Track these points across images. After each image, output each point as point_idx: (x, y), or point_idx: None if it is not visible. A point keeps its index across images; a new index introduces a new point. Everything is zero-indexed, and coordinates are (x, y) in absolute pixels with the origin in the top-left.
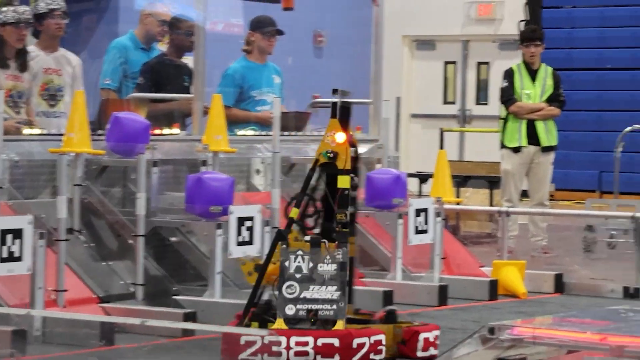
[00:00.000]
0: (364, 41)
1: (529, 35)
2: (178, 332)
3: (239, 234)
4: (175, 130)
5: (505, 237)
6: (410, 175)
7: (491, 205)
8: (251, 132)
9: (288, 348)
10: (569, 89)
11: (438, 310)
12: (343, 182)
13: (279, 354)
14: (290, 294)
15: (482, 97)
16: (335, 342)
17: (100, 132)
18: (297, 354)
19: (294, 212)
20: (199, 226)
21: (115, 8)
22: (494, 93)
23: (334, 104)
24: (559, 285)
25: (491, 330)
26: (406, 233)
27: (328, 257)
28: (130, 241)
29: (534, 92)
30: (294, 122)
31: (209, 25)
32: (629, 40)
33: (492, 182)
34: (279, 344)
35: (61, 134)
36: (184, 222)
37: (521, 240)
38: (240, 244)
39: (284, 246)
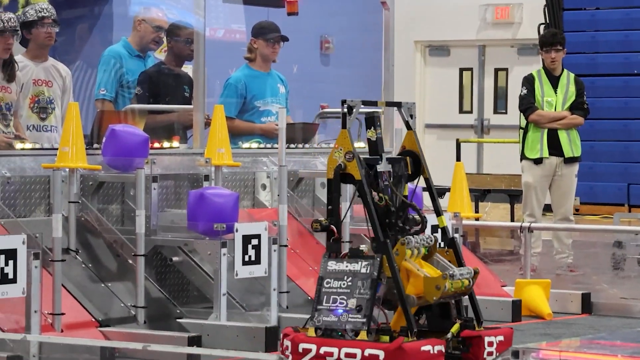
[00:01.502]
0: (374, 47)
1: (550, 40)
2: (182, 358)
3: (245, 252)
4: (176, 144)
5: (528, 255)
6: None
7: (512, 220)
8: (256, 145)
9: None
10: (593, 96)
11: None
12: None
13: None
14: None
15: (500, 105)
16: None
17: (96, 146)
18: None
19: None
20: (202, 245)
21: (109, 14)
22: (513, 101)
23: (344, 114)
24: (587, 305)
25: (515, 354)
26: None
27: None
28: (130, 261)
29: (555, 100)
30: (301, 133)
31: (209, 32)
32: None
33: (513, 196)
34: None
35: (55, 149)
36: (186, 241)
37: (545, 257)
38: (246, 263)
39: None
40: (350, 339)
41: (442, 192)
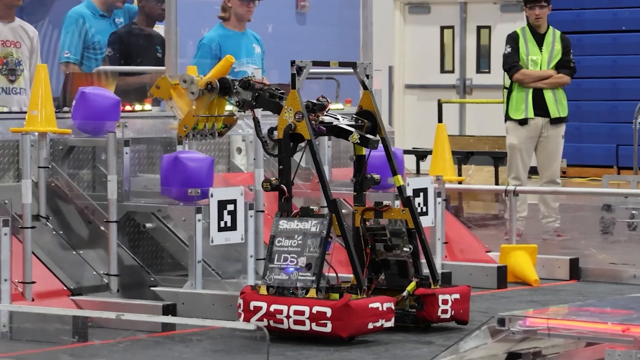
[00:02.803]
0: (351, 5)
1: None
2: (157, 327)
3: (221, 218)
4: (148, 106)
5: (513, 219)
6: (407, 152)
7: (497, 183)
8: (230, 107)
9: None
10: (580, 54)
11: None
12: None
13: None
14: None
15: (483, 64)
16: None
17: (65, 109)
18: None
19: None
20: (176, 211)
21: None
22: (497, 60)
23: (293, 75)
24: (575, 271)
25: (501, 322)
26: None
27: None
28: (102, 228)
29: (540, 58)
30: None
31: None
32: None
33: (497, 159)
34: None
35: (23, 112)
36: (159, 207)
37: (531, 222)
38: (221, 229)
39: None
40: (301, 297)
41: (423, 154)
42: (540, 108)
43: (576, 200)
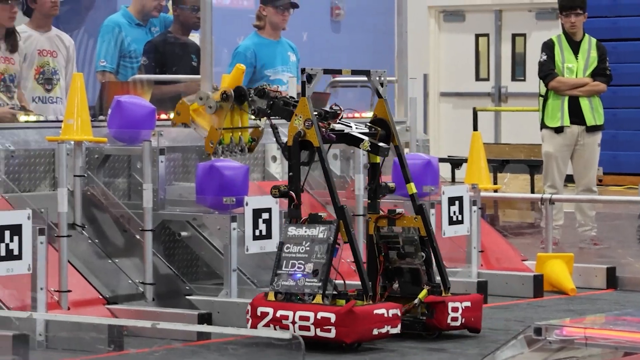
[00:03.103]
0: (387, 13)
1: (569, 3)
2: (192, 336)
3: (256, 227)
4: None
5: (549, 228)
6: (442, 160)
7: (532, 192)
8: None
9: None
10: (615, 61)
11: None
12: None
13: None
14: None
15: (518, 72)
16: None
17: (101, 118)
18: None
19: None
20: (211, 219)
21: None
22: (532, 68)
23: (303, 83)
24: (612, 280)
25: (537, 331)
26: (439, 224)
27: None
28: (137, 236)
29: (576, 66)
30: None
31: None
32: None
33: (533, 167)
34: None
35: (59, 121)
36: (195, 215)
37: (567, 230)
38: (257, 237)
39: None
40: (307, 303)
41: (459, 162)
42: (576, 116)
43: (613, 209)
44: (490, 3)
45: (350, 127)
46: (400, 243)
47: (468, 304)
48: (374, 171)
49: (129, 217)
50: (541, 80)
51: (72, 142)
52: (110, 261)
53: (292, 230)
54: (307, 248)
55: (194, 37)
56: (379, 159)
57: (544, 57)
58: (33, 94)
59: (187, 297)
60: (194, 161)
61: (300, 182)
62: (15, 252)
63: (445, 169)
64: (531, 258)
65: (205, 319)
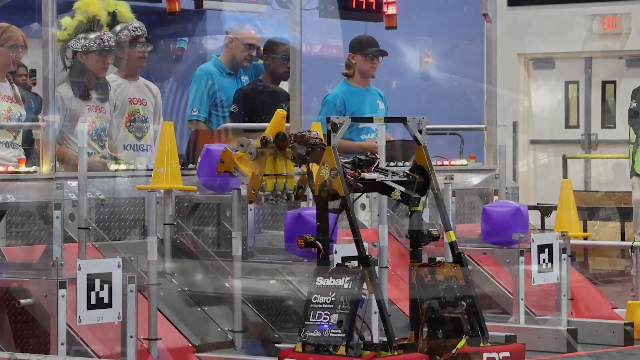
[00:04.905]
0: (476, 61)
1: None
2: None
3: None
4: None
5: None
6: (531, 207)
7: (623, 239)
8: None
9: None
10: None
11: (566, 357)
12: None
13: None
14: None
15: (608, 119)
16: None
17: (191, 166)
18: None
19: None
20: (300, 267)
21: (202, 31)
22: (622, 115)
23: (328, 132)
24: None
25: None
26: (529, 272)
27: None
28: (226, 284)
29: None
30: (400, 151)
31: (305, 47)
32: None
33: (623, 214)
34: None
35: (149, 169)
36: (284, 264)
37: None
38: None
39: None
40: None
41: (548, 210)
42: None
43: None
44: (581, 50)
45: (387, 174)
46: (441, 292)
47: (506, 354)
48: (415, 219)
49: (218, 265)
50: (631, 127)
51: (162, 191)
52: (199, 309)
53: (320, 281)
54: (333, 298)
55: (284, 85)
56: (420, 207)
57: (635, 104)
58: (124, 142)
59: (275, 345)
60: (282, 209)
61: (328, 232)
62: (106, 301)
63: (534, 217)
64: (621, 306)
65: None
